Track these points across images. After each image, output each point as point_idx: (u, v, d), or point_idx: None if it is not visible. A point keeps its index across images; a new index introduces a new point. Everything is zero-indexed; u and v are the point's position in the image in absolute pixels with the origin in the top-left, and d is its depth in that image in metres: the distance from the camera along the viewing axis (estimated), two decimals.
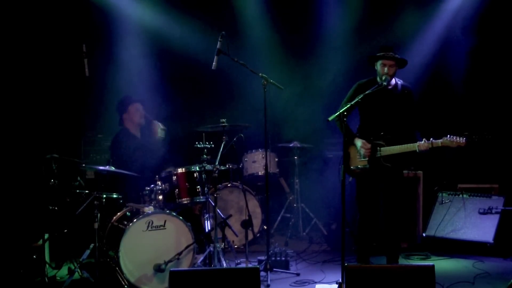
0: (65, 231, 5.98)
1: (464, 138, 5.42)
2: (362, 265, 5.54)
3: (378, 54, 5.62)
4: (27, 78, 6.95)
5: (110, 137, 6.70)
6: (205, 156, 6.11)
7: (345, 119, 4.97)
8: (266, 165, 5.83)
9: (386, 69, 5.57)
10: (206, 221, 6.25)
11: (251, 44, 7.90)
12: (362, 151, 5.65)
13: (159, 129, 6.45)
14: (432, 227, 6.79)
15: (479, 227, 6.61)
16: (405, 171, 6.58)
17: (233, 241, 6.52)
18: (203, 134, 6.32)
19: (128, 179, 5.99)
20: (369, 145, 5.63)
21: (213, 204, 5.90)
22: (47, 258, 5.80)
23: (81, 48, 6.00)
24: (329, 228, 7.41)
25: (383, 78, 5.56)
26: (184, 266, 5.56)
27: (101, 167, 5.71)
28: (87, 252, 5.48)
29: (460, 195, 6.87)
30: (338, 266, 5.40)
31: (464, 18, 7.57)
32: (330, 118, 5.07)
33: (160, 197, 5.82)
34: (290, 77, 7.84)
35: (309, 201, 7.68)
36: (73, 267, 5.63)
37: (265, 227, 6.71)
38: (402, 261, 6.21)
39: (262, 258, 5.97)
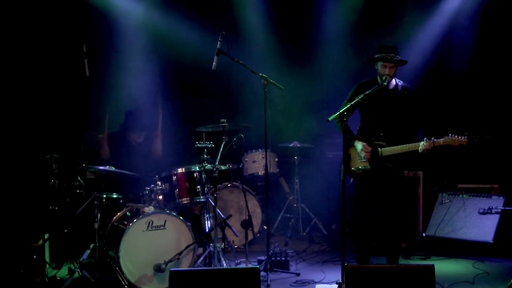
0: (65, 231, 5.98)
1: (466, 137, 5.43)
2: (362, 265, 5.54)
3: (378, 56, 5.62)
4: (27, 78, 6.95)
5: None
6: (205, 156, 6.11)
7: (345, 119, 4.97)
8: (266, 165, 5.82)
9: (387, 70, 5.57)
10: (206, 221, 6.25)
11: (251, 45, 7.90)
12: (363, 154, 5.65)
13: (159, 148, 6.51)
14: (432, 227, 6.79)
15: (479, 227, 6.61)
16: (405, 171, 6.58)
17: (233, 241, 6.52)
18: (203, 134, 6.32)
19: (124, 177, 6.00)
20: (369, 149, 5.63)
21: (213, 204, 5.90)
22: (47, 258, 5.80)
23: (81, 48, 5.99)
24: (329, 228, 7.42)
25: (384, 78, 5.56)
26: (184, 266, 5.57)
27: (101, 167, 5.72)
28: (87, 252, 5.49)
29: (460, 195, 6.87)
30: (338, 266, 5.40)
31: (464, 17, 7.57)
32: (330, 118, 5.07)
33: (160, 197, 5.82)
34: (290, 77, 7.83)
35: (309, 201, 7.68)
36: (73, 267, 5.63)
37: (265, 227, 6.71)
38: (402, 261, 6.21)
39: (262, 258, 5.98)
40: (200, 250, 6.04)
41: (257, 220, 7.02)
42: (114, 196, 5.86)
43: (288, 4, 7.98)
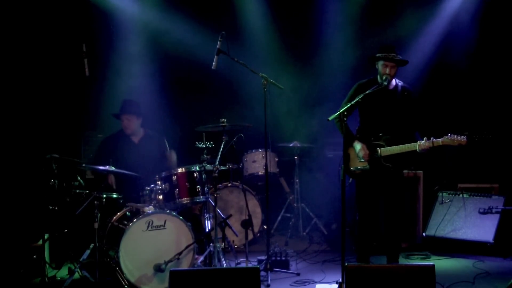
0: (65, 231, 5.98)
1: (465, 137, 5.43)
2: (362, 265, 5.54)
3: (379, 55, 5.62)
4: (27, 78, 6.96)
5: None
6: (205, 156, 6.11)
7: (345, 119, 4.96)
8: (266, 165, 5.83)
9: (388, 69, 5.57)
10: (206, 221, 6.25)
11: (251, 44, 7.91)
12: (361, 154, 5.65)
13: (175, 157, 6.49)
14: (432, 227, 6.79)
15: (479, 227, 6.61)
16: (405, 171, 6.58)
17: (233, 241, 6.52)
18: (203, 134, 6.32)
19: (124, 177, 6.00)
20: (368, 151, 5.63)
21: (213, 204, 5.90)
22: (47, 258, 5.80)
23: (81, 48, 6.00)
24: (329, 228, 7.42)
25: (384, 78, 5.56)
26: (184, 266, 5.56)
27: (101, 167, 5.72)
28: (87, 252, 5.49)
29: (460, 195, 6.86)
30: (338, 266, 5.40)
31: (465, 17, 7.57)
32: (330, 118, 5.07)
33: (160, 197, 5.82)
34: (290, 77, 7.84)
35: (309, 201, 7.68)
36: (73, 267, 5.63)
37: (265, 227, 6.71)
38: (402, 261, 6.21)
39: (262, 258, 5.97)
40: (201, 258, 6.02)
41: (257, 220, 7.02)
42: (114, 196, 5.86)
43: (288, 3, 7.98)
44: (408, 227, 6.88)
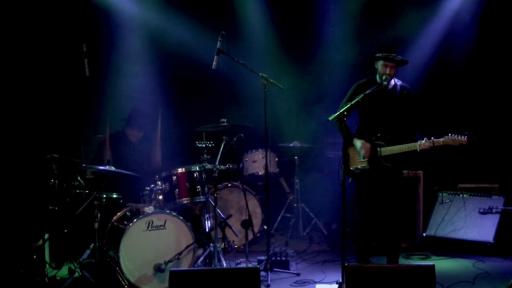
0: (65, 231, 5.98)
1: (466, 137, 5.43)
2: (362, 265, 5.54)
3: (380, 55, 5.62)
4: (27, 78, 6.95)
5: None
6: (205, 156, 6.11)
7: (345, 119, 4.97)
8: (266, 165, 5.82)
9: (388, 69, 5.57)
10: (206, 221, 6.25)
11: (251, 44, 7.90)
12: (362, 152, 5.65)
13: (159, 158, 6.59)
14: (432, 227, 6.79)
15: (479, 227, 6.61)
16: (405, 171, 6.59)
17: (233, 241, 6.52)
18: (203, 134, 6.32)
19: (124, 177, 6.01)
20: (368, 145, 5.63)
21: (213, 204, 5.90)
22: (47, 258, 5.80)
23: (81, 48, 5.98)
24: (329, 228, 7.41)
25: (384, 78, 5.56)
26: (184, 266, 5.57)
27: (101, 167, 5.72)
28: (87, 252, 5.49)
29: (460, 195, 6.86)
30: (338, 266, 5.40)
31: (465, 17, 7.57)
32: (330, 118, 5.07)
33: (160, 197, 5.83)
34: (290, 77, 7.83)
35: (309, 201, 7.68)
36: (73, 267, 5.63)
37: (265, 227, 6.71)
38: (402, 261, 6.21)
39: (262, 258, 5.98)
40: (200, 251, 6.03)
41: (257, 220, 7.02)
42: (114, 196, 5.86)
43: (288, 3, 7.98)
44: (408, 227, 6.89)
